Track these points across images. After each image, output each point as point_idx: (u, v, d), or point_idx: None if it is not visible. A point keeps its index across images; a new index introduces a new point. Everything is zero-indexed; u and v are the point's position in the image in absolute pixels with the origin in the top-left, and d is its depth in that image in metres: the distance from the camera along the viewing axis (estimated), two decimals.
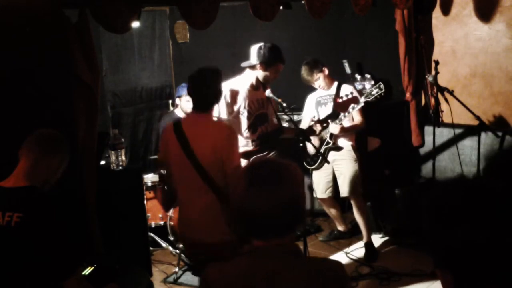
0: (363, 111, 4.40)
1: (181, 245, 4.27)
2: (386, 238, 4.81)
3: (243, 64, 3.77)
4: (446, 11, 5.19)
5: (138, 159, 5.62)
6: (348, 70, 5.52)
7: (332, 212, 4.86)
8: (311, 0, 4.09)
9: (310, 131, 4.16)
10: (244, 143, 3.68)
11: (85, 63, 3.31)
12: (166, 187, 4.72)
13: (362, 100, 4.21)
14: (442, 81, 4.72)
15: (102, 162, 3.97)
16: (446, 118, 4.98)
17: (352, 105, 4.23)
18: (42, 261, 2.15)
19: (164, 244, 4.72)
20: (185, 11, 3.66)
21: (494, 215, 1.03)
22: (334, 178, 4.59)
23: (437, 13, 5.25)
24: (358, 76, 5.55)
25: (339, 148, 4.39)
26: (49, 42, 3.21)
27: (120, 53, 5.48)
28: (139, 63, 5.70)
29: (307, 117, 4.61)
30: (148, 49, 5.77)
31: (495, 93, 4.94)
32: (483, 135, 4.77)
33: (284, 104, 3.81)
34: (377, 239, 4.76)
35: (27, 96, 3.17)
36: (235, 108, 3.67)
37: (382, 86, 4.14)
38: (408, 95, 5.18)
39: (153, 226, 4.69)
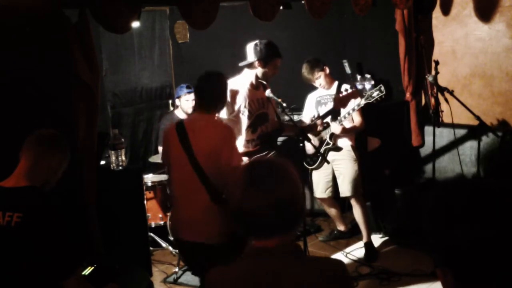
0: (363, 112, 4.40)
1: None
2: (386, 238, 4.80)
3: (241, 64, 3.77)
4: (446, 11, 5.19)
5: (138, 159, 5.62)
6: (348, 70, 5.52)
7: (332, 212, 4.86)
8: (311, 0, 4.09)
9: (311, 127, 4.13)
10: (244, 143, 3.68)
11: (85, 63, 3.30)
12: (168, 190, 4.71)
13: (362, 102, 4.19)
14: (442, 81, 4.71)
15: (102, 162, 3.97)
16: (446, 118, 4.97)
17: (353, 105, 4.22)
18: (42, 261, 2.15)
19: (164, 244, 4.72)
20: (185, 11, 3.66)
21: (496, 215, 1.03)
22: (334, 178, 4.59)
23: (437, 13, 5.26)
24: (358, 76, 5.55)
25: (338, 149, 4.39)
26: (49, 42, 3.21)
27: (120, 53, 5.48)
28: (139, 63, 5.70)
29: (307, 117, 4.61)
30: (148, 49, 5.77)
31: (495, 93, 4.94)
32: (483, 135, 4.78)
33: (284, 104, 3.82)
34: (377, 239, 4.75)
35: (27, 96, 3.17)
36: (236, 107, 3.66)
37: (383, 88, 4.09)
38: (408, 95, 5.18)
39: (153, 226, 4.68)
